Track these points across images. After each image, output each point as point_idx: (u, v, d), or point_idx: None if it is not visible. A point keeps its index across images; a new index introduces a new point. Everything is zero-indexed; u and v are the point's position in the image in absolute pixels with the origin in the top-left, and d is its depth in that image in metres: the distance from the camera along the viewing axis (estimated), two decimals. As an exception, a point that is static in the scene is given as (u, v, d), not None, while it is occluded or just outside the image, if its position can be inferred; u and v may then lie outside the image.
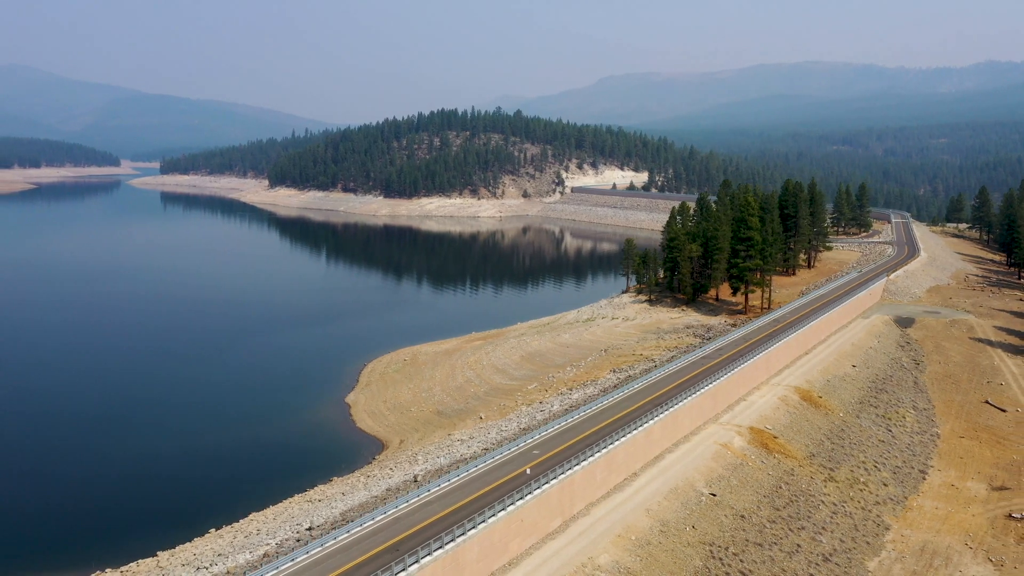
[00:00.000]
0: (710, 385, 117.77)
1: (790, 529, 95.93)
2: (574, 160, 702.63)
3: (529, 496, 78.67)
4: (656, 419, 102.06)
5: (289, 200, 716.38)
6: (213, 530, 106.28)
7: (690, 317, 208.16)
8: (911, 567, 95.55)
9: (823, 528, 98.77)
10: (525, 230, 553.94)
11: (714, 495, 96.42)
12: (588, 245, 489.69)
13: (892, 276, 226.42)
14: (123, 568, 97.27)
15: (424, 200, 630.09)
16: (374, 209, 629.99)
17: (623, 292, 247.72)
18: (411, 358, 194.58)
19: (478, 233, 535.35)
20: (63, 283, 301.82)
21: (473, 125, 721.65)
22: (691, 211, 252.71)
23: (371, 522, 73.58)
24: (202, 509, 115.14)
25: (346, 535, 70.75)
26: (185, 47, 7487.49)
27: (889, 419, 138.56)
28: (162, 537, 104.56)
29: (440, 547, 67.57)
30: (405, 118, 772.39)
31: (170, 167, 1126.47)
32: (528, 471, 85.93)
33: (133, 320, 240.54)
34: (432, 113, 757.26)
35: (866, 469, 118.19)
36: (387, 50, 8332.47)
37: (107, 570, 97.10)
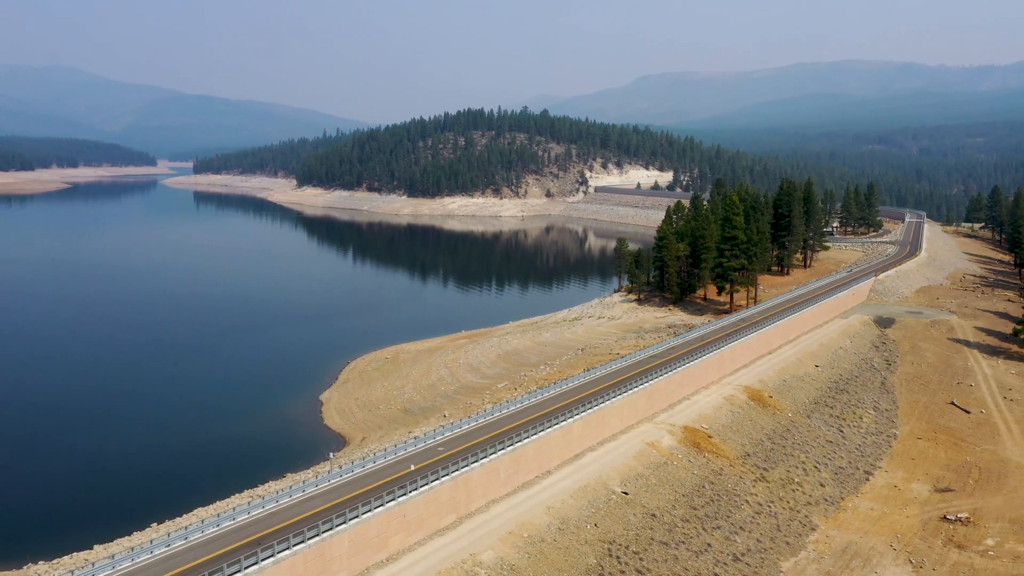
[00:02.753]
0: (645, 384, 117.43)
1: (703, 528, 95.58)
2: (598, 160, 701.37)
3: (414, 492, 78.92)
4: (577, 417, 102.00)
5: (315, 199, 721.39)
6: (155, 524, 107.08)
7: (675, 316, 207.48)
8: (827, 567, 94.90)
9: (741, 528, 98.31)
10: (548, 229, 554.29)
11: (626, 493, 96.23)
12: (612, 244, 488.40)
13: (881, 276, 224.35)
14: (55, 560, 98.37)
15: (447, 199, 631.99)
16: (397, 208, 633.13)
17: (615, 291, 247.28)
18: (393, 356, 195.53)
19: (500, 232, 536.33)
20: (67, 281, 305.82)
21: (499, 125, 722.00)
22: (686, 210, 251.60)
23: (245, 516, 74.26)
24: (154, 503, 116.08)
25: (215, 529, 71.51)
26: (225, 48, 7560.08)
27: (844, 419, 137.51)
28: (107, 530, 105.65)
29: (302, 541, 68.08)
30: (432, 118, 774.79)
31: (203, 167, 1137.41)
32: (412, 467, 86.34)
33: (139, 317, 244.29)
34: (459, 112, 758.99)
35: (804, 470, 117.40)
36: (424, 51, 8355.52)
37: (40, 562, 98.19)
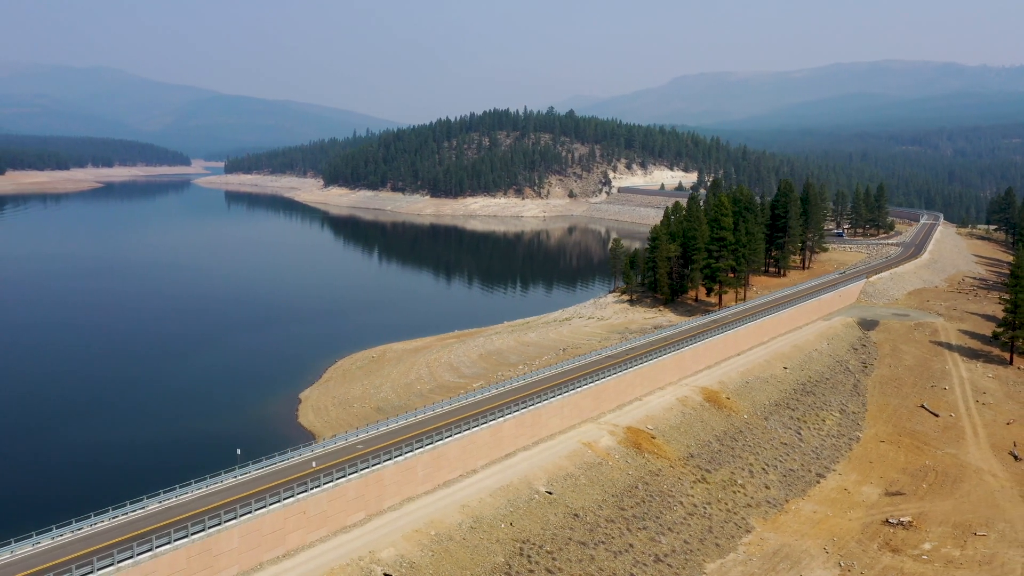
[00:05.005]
0: (590, 384, 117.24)
1: (628, 529, 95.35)
2: (622, 160, 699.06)
3: (316, 489, 79.43)
4: (508, 416, 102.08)
5: (340, 199, 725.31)
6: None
7: (663, 317, 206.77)
8: (752, 570, 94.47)
9: (669, 529, 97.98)
10: (570, 230, 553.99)
11: (550, 493, 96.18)
12: (634, 245, 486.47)
13: (873, 278, 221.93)
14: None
15: (469, 200, 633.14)
16: (419, 208, 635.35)
17: (610, 292, 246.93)
18: (380, 355, 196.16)
19: (522, 233, 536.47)
20: (75, 278, 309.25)
21: (524, 125, 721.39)
22: (683, 210, 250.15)
23: (140, 511, 75.39)
24: (106, 499, 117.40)
25: (105, 522, 72.59)
26: (264, 49, 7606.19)
27: (804, 422, 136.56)
28: (54, 521, 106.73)
29: (185, 536, 68.82)
30: (458, 118, 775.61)
31: (234, 167, 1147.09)
32: (314, 464, 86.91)
33: (152, 313, 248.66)
34: (484, 113, 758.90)
35: (751, 472, 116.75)
36: (462, 53, 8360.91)
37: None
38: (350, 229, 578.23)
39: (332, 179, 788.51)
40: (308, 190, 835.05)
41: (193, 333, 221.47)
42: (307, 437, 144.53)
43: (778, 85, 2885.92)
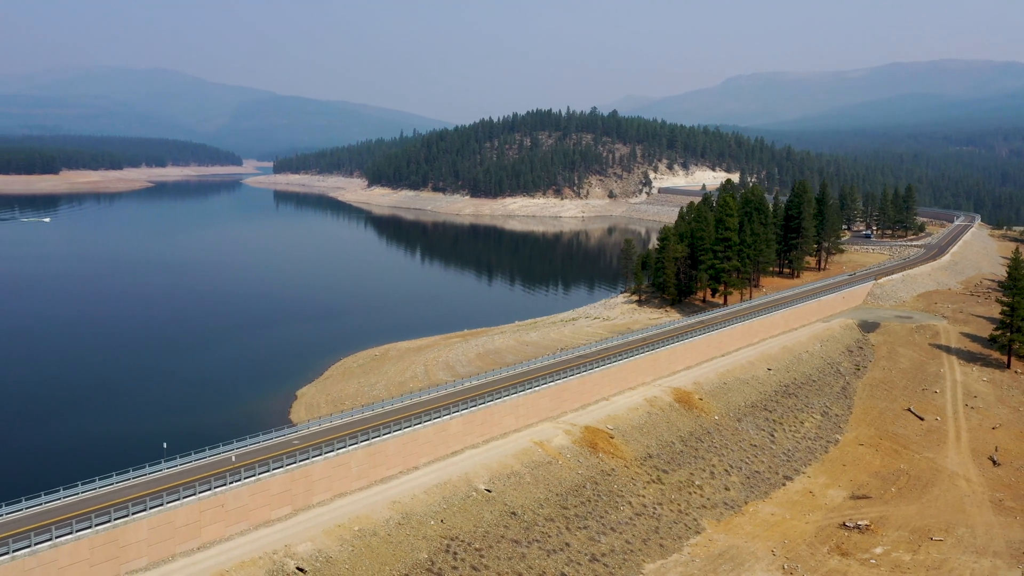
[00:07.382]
0: (551, 383, 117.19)
1: (567, 528, 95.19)
2: (663, 160, 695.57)
3: (236, 483, 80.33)
4: (456, 414, 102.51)
5: (382, 199, 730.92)
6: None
7: (668, 318, 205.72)
8: (693, 571, 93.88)
9: (612, 529, 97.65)
10: (610, 231, 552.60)
11: (489, 491, 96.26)
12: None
13: (882, 280, 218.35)
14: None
15: (508, 200, 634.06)
16: (459, 208, 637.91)
17: (621, 292, 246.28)
18: (382, 353, 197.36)
19: (560, 233, 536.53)
20: (98, 277, 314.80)
21: (566, 125, 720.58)
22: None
23: (55, 502, 76.79)
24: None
25: (16, 512, 74.04)
26: (319, 50, 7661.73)
27: (781, 424, 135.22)
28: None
29: (89, 527, 70.10)
30: (500, 119, 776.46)
31: (282, 167, 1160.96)
32: (233, 458, 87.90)
33: (182, 308, 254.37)
34: (527, 113, 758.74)
35: (712, 473, 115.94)
36: (514, 54, 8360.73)
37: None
38: (391, 229, 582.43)
39: (375, 179, 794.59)
40: (352, 190, 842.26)
41: (212, 327, 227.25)
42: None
43: (834, 85, 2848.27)
